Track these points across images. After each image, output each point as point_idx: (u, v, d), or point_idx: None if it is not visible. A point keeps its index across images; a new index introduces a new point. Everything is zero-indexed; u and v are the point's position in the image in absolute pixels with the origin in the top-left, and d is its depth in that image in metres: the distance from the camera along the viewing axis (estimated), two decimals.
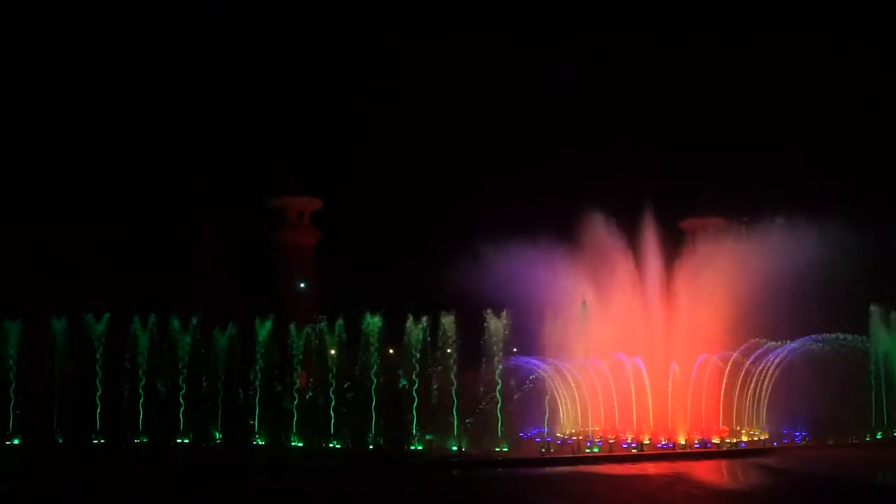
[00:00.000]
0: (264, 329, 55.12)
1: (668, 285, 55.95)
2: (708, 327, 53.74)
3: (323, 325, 54.14)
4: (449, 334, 50.67)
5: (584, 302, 54.39)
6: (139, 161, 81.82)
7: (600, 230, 56.68)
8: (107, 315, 55.28)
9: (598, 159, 71.35)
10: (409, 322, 51.44)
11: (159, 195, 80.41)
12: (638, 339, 54.14)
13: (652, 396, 51.67)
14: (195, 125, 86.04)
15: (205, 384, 55.03)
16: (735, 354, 52.50)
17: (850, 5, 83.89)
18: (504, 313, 50.12)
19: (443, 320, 50.83)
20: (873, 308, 55.22)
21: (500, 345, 50.12)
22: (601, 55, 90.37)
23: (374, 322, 51.91)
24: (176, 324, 55.42)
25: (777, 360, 52.71)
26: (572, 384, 54.33)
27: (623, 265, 56.16)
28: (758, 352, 52.82)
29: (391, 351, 55.32)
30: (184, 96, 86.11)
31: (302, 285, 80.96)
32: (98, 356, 54.63)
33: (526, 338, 53.79)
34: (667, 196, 60.50)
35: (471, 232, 61.40)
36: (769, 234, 54.99)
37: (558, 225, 57.52)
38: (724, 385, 52.33)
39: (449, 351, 51.22)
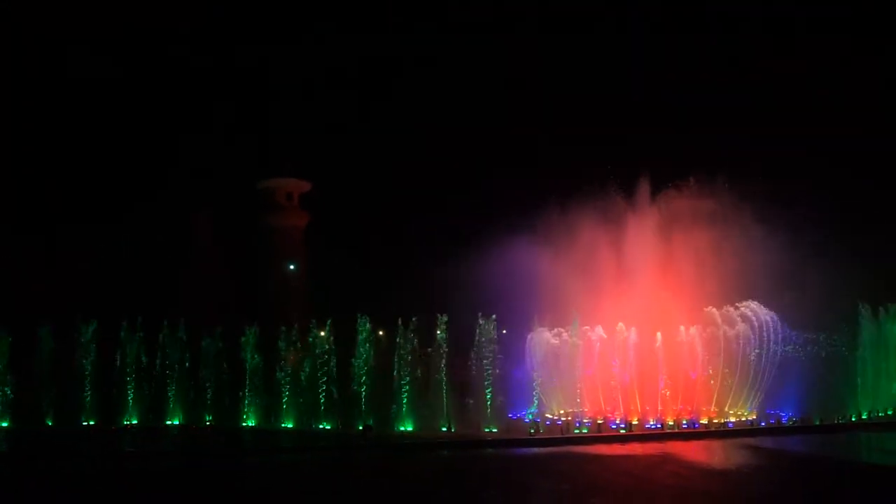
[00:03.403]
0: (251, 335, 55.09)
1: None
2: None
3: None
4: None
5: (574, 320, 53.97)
6: (131, 146, 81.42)
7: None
8: (94, 325, 55.09)
9: (592, 146, 71.43)
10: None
11: (151, 181, 79.97)
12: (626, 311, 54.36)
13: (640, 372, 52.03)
14: (188, 111, 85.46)
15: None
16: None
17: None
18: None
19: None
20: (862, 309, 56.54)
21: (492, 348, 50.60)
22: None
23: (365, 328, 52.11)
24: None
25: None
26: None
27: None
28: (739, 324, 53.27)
29: (381, 333, 55.31)
30: (177, 83, 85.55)
31: (291, 267, 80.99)
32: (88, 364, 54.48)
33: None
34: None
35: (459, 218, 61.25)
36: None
37: (552, 212, 57.58)
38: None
39: (439, 333, 51.34)
